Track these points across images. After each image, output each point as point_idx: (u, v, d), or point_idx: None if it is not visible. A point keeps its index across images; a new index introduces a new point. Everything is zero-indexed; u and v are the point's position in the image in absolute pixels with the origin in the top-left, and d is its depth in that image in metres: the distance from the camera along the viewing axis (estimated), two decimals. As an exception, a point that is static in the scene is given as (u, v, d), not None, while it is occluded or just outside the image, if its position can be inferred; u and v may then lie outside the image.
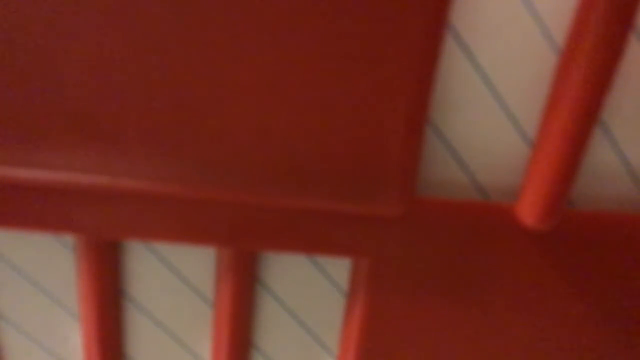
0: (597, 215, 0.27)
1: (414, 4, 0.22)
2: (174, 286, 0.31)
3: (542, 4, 0.24)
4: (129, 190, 0.26)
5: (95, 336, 0.31)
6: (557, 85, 0.24)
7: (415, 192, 0.27)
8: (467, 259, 0.28)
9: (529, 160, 0.26)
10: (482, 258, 0.28)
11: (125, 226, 0.27)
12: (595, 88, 0.23)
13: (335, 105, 0.24)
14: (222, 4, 0.22)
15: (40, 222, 0.27)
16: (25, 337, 0.33)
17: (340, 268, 0.30)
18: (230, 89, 0.24)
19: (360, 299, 0.29)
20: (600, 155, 0.27)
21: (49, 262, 0.31)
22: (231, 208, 0.27)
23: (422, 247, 0.27)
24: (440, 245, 0.27)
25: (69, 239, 0.30)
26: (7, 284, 0.31)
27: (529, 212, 0.26)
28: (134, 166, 0.25)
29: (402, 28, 0.22)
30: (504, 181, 0.27)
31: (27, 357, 0.33)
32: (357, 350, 0.30)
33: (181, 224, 0.27)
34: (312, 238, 0.27)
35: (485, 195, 0.28)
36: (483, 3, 0.24)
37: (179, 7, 0.22)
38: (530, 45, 0.24)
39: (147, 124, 0.24)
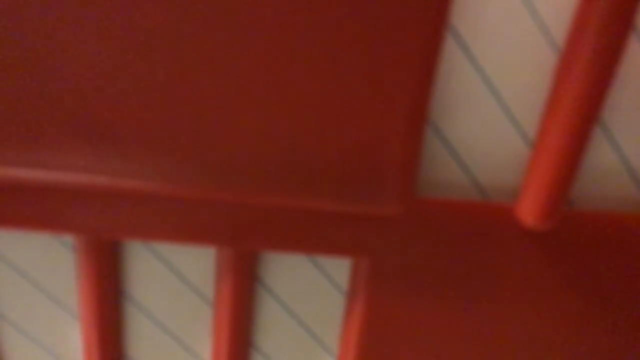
0: (597, 215, 0.27)
1: (414, 4, 0.22)
2: (174, 286, 0.31)
3: (542, 4, 0.24)
4: (129, 190, 0.26)
5: (95, 336, 0.31)
6: (557, 85, 0.24)
7: (415, 192, 0.27)
8: (467, 258, 0.28)
9: (529, 160, 0.26)
10: (482, 258, 0.28)
11: (125, 226, 0.27)
12: (595, 88, 0.23)
13: (335, 105, 0.24)
14: (223, 5, 0.22)
15: (40, 222, 0.27)
16: (25, 337, 0.33)
17: (340, 268, 0.30)
18: (231, 90, 0.24)
19: (360, 299, 0.29)
20: (600, 155, 0.27)
21: (49, 262, 0.31)
22: (231, 208, 0.27)
23: (422, 247, 0.27)
24: (440, 245, 0.27)
25: (69, 239, 0.30)
26: (7, 284, 0.31)
27: (529, 212, 0.26)
28: (133, 166, 0.25)
29: (402, 28, 0.22)
30: (504, 181, 0.27)
31: (27, 357, 0.33)
32: (357, 350, 0.30)
33: (181, 224, 0.27)
34: (312, 238, 0.27)
35: (485, 195, 0.28)
36: (483, 3, 0.24)
37: (179, 8, 0.22)
38: (530, 45, 0.24)
39: (147, 124, 0.24)
